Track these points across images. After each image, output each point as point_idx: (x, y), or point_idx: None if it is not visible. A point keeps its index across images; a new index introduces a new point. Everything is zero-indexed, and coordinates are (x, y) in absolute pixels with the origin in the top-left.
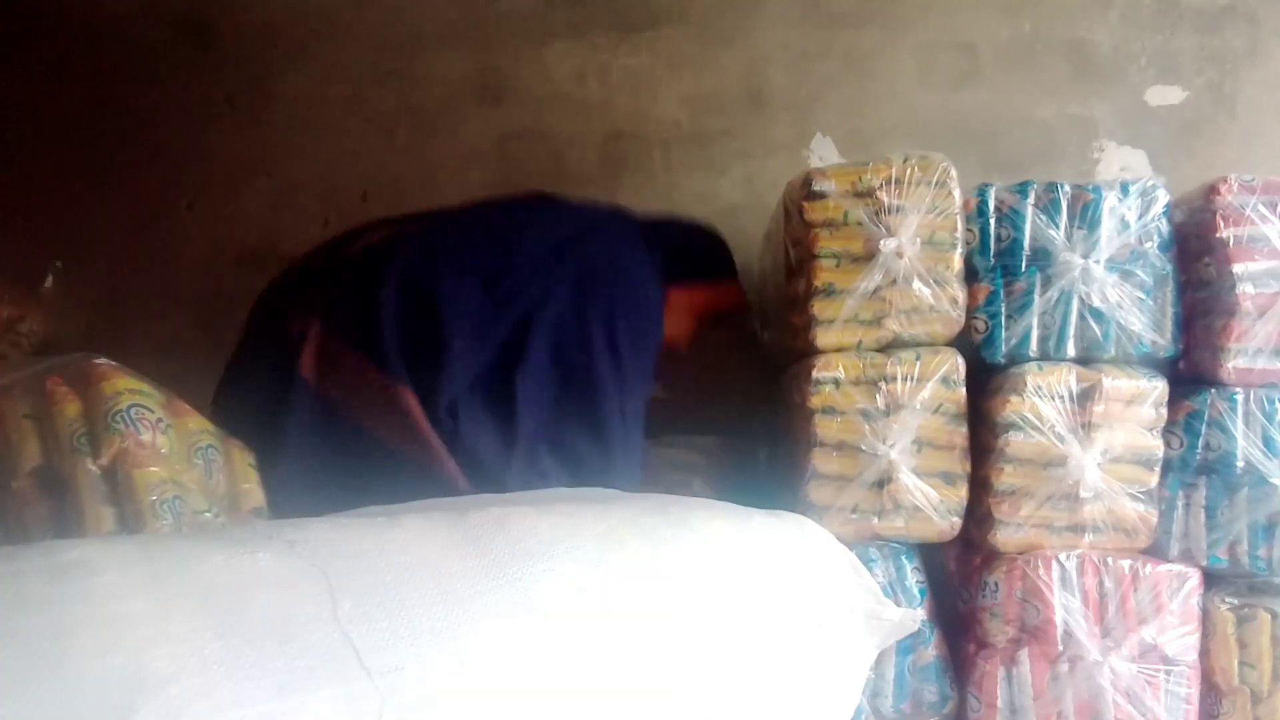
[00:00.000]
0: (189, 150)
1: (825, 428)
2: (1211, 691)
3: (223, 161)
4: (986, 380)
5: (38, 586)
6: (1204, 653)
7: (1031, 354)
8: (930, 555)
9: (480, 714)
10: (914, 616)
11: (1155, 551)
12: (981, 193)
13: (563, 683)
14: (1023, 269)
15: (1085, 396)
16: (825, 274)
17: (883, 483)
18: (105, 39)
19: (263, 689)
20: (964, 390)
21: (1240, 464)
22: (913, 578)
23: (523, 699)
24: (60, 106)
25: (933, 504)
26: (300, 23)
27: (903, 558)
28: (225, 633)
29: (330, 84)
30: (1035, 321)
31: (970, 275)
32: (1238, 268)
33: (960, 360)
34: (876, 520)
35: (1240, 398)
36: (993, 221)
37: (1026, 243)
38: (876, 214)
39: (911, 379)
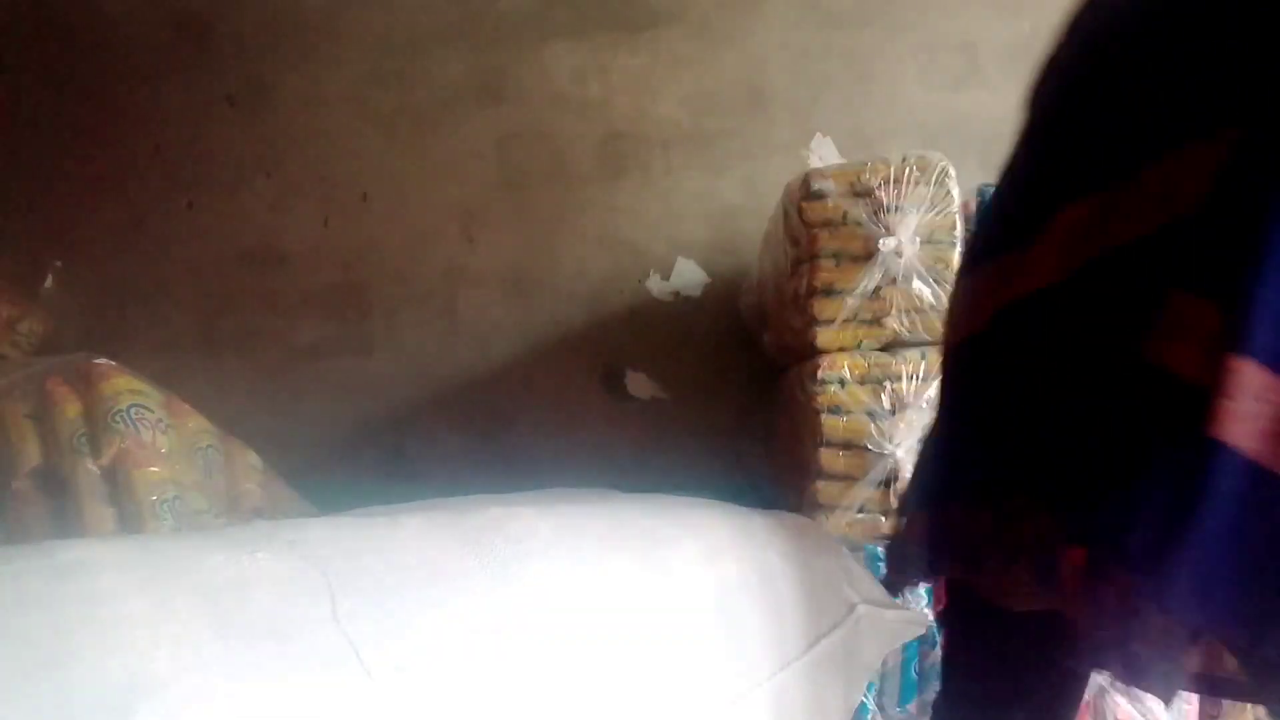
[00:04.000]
0: (189, 150)
1: (831, 427)
2: None
3: (223, 161)
4: None
5: (38, 586)
6: None
7: None
8: None
9: (480, 714)
10: (915, 618)
11: None
12: (981, 193)
13: (563, 683)
14: None
15: None
16: (825, 274)
17: (889, 482)
18: (105, 39)
19: (263, 689)
20: None
21: None
22: None
23: (523, 699)
24: (60, 106)
25: None
26: (300, 23)
27: None
28: (225, 633)
29: (330, 84)
30: None
31: None
32: None
33: None
34: (883, 519)
35: None
36: None
37: None
38: (875, 213)
39: (917, 378)
